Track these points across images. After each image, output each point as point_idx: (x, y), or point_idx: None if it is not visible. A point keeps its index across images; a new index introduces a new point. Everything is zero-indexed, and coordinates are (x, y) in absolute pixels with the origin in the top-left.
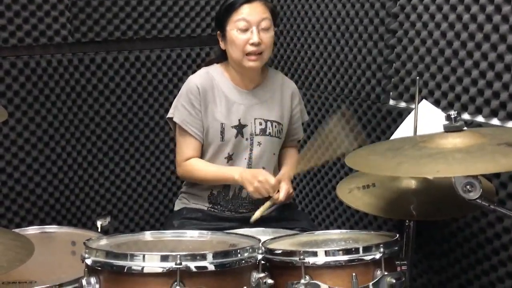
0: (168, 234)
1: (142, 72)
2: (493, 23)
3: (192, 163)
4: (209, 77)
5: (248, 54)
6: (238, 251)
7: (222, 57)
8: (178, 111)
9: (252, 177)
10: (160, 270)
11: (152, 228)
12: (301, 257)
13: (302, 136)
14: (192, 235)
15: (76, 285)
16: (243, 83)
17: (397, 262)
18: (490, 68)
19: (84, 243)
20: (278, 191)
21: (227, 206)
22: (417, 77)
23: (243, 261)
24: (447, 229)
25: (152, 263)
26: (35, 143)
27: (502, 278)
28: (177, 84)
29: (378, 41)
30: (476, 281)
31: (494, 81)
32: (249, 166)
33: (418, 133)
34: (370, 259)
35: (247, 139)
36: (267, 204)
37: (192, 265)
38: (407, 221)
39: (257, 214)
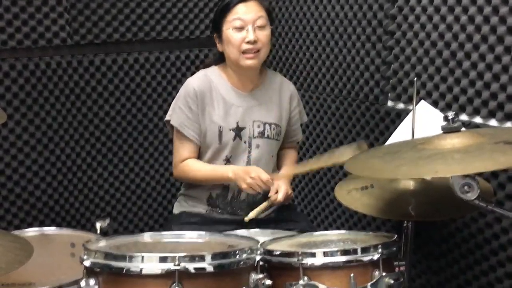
0: (167, 236)
1: (141, 74)
2: (491, 24)
3: (188, 164)
4: (207, 80)
5: (245, 52)
6: (237, 252)
7: (220, 60)
8: (175, 114)
9: (244, 173)
10: (158, 272)
11: (151, 229)
12: (300, 258)
13: (301, 138)
14: (190, 236)
15: (75, 286)
16: (242, 85)
17: (395, 263)
18: (488, 69)
19: (83, 245)
20: (277, 191)
21: (226, 208)
22: (415, 78)
23: (242, 262)
24: (446, 229)
25: (150, 265)
26: (34, 145)
27: (500, 279)
28: (175, 86)
29: (376, 42)
30: (475, 281)
31: (491, 82)
32: None
33: (417, 134)
34: (368, 260)
35: (245, 141)
36: (265, 204)
37: (191, 266)
38: (405, 221)
39: (252, 214)
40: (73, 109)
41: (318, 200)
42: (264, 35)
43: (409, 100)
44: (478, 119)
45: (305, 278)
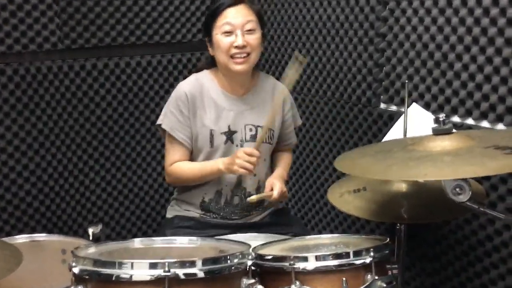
0: (158, 241)
1: (132, 78)
2: (482, 26)
3: (178, 166)
4: (198, 84)
5: (233, 57)
6: (228, 257)
7: (211, 63)
8: (167, 118)
9: (231, 158)
10: (148, 278)
11: (144, 234)
12: (291, 262)
13: (296, 142)
14: (182, 241)
15: None
16: (233, 89)
17: (388, 266)
18: (480, 71)
19: (72, 251)
20: (272, 189)
21: (219, 213)
22: (406, 81)
23: (233, 267)
24: (440, 231)
25: (140, 271)
26: (25, 151)
27: (494, 280)
28: (168, 90)
29: (368, 45)
30: (469, 283)
31: (483, 83)
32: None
33: (409, 136)
34: (360, 264)
35: (237, 145)
36: (263, 194)
37: (181, 272)
38: (398, 224)
39: (255, 196)
40: (64, 114)
41: (312, 204)
42: (253, 39)
43: (402, 102)
44: (470, 121)
45: (297, 282)
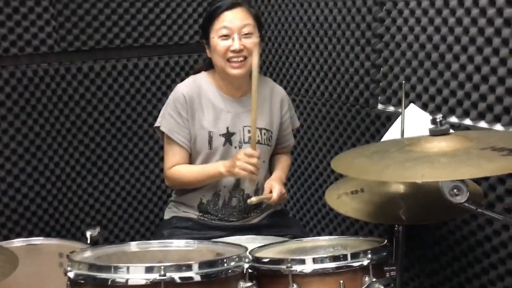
0: (155, 244)
1: (130, 81)
2: (478, 26)
3: (178, 169)
4: (196, 86)
5: (230, 61)
6: (224, 260)
7: (209, 65)
8: (165, 120)
9: (232, 161)
10: (144, 282)
11: (143, 237)
12: (289, 265)
13: (294, 144)
14: (178, 244)
15: None
16: (231, 91)
17: (386, 268)
18: (477, 71)
19: (67, 255)
20: (271, 191)
21: (217, 215)
22: (403, 81)
23: (230, 271)
24: (438, 232)
25: (136, 275)
26: (22, 154)
27: (493, 281)
28: (165, 92)
29: (365, 45)
30: (468, 284)
31: (481, 84)
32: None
33: (406, 137)
34: (358, 266)
35: (235, 147)
36: (263, 196)
37: (177, 276)
38: (396, 225)
39: (254, 198)
40: (61, 117)
41: (311, 205)
42: (250, 42)
43: (399, 103)
44: (468, 121)
45: (295, 285)
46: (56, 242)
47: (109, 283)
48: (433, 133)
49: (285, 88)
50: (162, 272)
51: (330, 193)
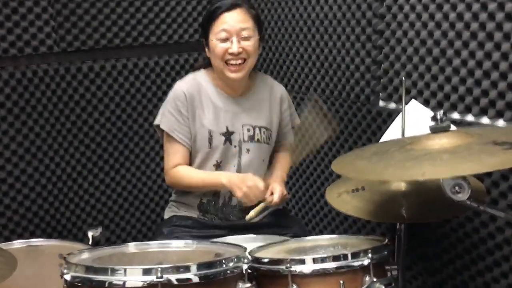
0: (153, 245)
1: (130, 80)
2: (480, 21)
3: (180, 170)
4: (196, 83)
5: (228, 63)
6: (223, 261)
7: (209, 63)
8: (165, 118)
9: (241, 182)
10: (141, 284)
11: (144, 237)
12: (288, 265)
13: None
14: (177, 245)
15: None
16: (230, 90)
17: (387, 267)
18: (478, 66)
19: (64, 257)
20: (272, 193)
21: (217, 214)
22: (403, 78)
23: (228, 271)
24: (441, 230)
25: (133, 277)
26: (22, 155)
27: (497, 278)
28: (166, 91)
29: (365, 42)
30: (471, 281)
31: (482, 79)
32: (238, 173)
33: (408, 133)
34: (358, 266)
35: (235, 146)
36: (262, 205)
37: (175, 277)
38: (397, 224)
39: (252, 213)
40: (61, 117)
41: (312, 203)
42: (249, 45)
43: (400, 99)
44: (470, 117)
45: (294, 286)
46: (56, 243)
47: (106, 285)
48: (434, 130)
49: (285, 85)
50: (159, 274)
51: (330, 192)
